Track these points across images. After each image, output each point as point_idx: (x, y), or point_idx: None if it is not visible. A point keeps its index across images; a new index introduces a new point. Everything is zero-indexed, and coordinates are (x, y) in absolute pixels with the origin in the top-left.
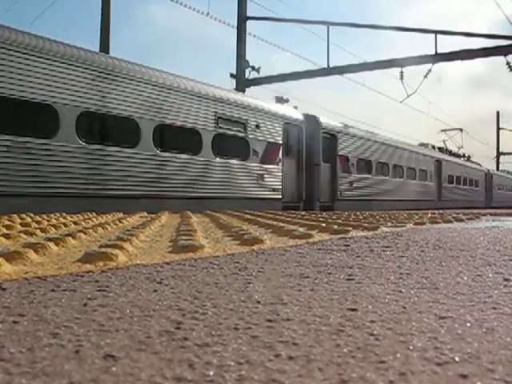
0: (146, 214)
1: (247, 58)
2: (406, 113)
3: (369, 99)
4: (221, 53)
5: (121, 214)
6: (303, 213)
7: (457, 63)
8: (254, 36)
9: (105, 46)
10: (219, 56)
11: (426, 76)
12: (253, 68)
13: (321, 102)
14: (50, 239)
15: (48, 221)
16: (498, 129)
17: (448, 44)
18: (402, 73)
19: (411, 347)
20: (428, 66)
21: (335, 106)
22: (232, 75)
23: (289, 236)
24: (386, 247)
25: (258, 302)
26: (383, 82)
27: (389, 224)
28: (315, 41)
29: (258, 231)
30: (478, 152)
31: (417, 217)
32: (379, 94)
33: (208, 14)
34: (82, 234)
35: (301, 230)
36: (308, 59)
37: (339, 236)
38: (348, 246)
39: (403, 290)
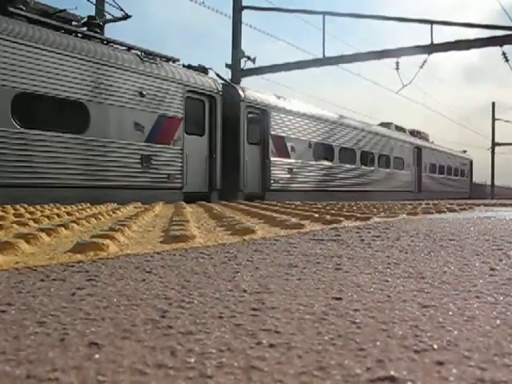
0: (140, 204)
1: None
2: (402, 103)
3: (366, 90)
4: (216, 43)
5: (115, 205)
6: (298, 203)
7: (452, 54)
8: (250, 26)
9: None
10: (215, 46)
11: (421, 66)
12: (248, 58)
13: (321, 93)
14: (42, 230)
15: (41, 211)
16: (494, 119)
17: (443, 36)
18: (397, 63)
19: (391, 335)
20: (424, 56)
21: (335, 97)
22: (227, 65)
23: (281, 226)
24: (377, 237)
25: (245, 291)
26: (380, 72)
27: (382, 214)
28: (310, 32)
29: (250, 221)
30: (473, 142)
31: (410, 207)
32: (376, 84)
33: (203, 3)
34: (74, 225)
35: (293, 220)
36: (303, 49)
37: (331, 226)
38: (339, 235)
39: (389, 280)
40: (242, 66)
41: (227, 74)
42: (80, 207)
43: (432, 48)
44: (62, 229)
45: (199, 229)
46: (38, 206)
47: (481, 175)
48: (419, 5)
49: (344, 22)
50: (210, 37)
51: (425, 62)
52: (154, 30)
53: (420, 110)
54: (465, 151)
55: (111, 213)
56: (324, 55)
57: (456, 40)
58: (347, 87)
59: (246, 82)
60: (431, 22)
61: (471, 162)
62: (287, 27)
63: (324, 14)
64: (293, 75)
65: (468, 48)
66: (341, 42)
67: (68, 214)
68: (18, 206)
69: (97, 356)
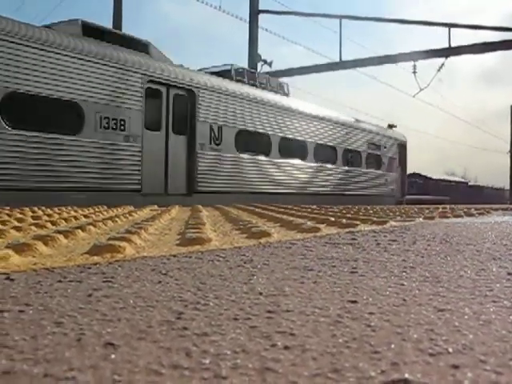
0: (156, 207)
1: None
2: (418, 106)
3: (382, 93)
4: (231, 48)
5: (131, 208)
6: (314, 206)
7: (468, 58)
8: (266, 30)
9: None
10: (229, 50)
11: (439, 70)
12: (265, 62)
13: (338, 97)
14: (59, 232)
15: (59, 214)
16: None
17: (459, 39)
18: (414, 66)
19: (406, 338)
20: (441, 59)
21: (350, 100)
22: None
23: (297, 230)
24: (393, 241)
25: (260, 294)
26: (396, 75)
27: (398, 218)
28: (326, 35)
29: (266, 225)
30: (491, 146)
31: (427, 211)
32: (392, 87)
33: (220, 7)
34: (91, 227)
35: (309, 223)
36: (319, 53)
37: (347, 230)
38: (355, 239)
39: (405, 283)
40: (258, 70)
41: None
42: (97, 209)
43: (450, 51)
44: (79, 231)
45: (215, 232)
46: (56, 209)
47: (499, 180)
48: (434, 6)
49: (360, 24)
50: (225, 41)
51: (442, 65)
52: (172, 33)
53: (437, 114)
54: (391, 126)
55: (128, 215)
56: (340, 59)
57: (474, 43)
58: (363, 90)
59: None
60: (449, 25)
61: (403, 145)
62: (303, 31)
63: (341, 17)
64: (308, 78)
65: (486, 51)
66: (356, 45)
67: (85, 216)
68: (35, 209)
69: (113, 356)
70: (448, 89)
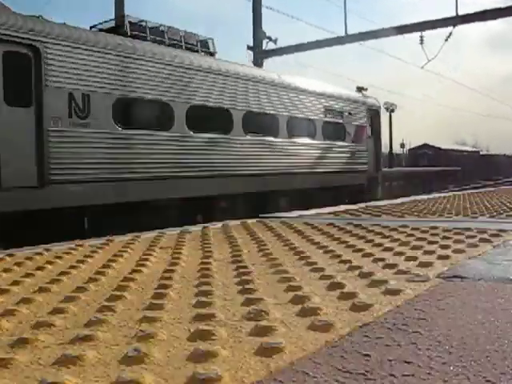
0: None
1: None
2: (427, 76)
3: (390, 66)
4: (237, 30)
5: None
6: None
7: (475, 24)
8: (271, 9)
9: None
10: (234, 33)
11: (446, 39)
12: (269, 39)
13: (347, 71)
14: None
15: None
16: None
17: (463, 7)
18: (421, 37)
19: None
20: (449, 29)
21: (361, 75)
22: (249, 47)
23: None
24: None
25: None
26: (404, 47)
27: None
28: (331, 11)
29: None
30: (500, 114)
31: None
32: (399, 60)
33: None
34: None
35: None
36: (323, 28)
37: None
38: None
39: None
40: (263, 47)
41: (249, 57)
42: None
43: (457, 20)
44: None
45: (237, 330)
46: None
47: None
48: None
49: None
50: (233, 24)
51: (450, 34)
52: (180, 20)
53: (444, 83)
54: (361, 89)
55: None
56: (346, 33)
57: (483, 10)
58: (371, 64)
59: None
60: None
61: (376, 112)
62: (307, 7)
63: None
64: (313, 53)
65: (496, 17)
66: (362, 19)
67: None
68: None
69: None
70: (454, 56)
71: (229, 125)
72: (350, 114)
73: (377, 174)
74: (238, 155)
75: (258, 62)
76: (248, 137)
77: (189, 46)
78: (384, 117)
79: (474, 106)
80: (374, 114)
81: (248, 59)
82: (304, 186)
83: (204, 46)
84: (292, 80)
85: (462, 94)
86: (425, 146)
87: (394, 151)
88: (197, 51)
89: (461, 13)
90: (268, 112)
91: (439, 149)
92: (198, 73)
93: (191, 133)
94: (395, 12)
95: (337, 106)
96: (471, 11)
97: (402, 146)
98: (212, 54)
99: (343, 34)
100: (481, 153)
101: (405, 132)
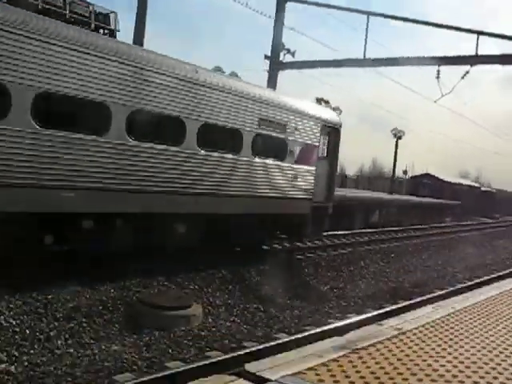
0: None
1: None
2: (438, 111)
3: (401, 94)
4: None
5: None
6: None
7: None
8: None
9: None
10: (253, 36)
11: (463, 77)
12: (288, 51)
13: (358, 92)
14: None
15: None
16: None
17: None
18: (438, 71)
19: None
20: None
21: (372, 96)
22: (266, 56)
23: None
24: None
25: None
26: (417, 76)
27: None
28: (343, 30)
29: None
30: (503, 151)
31: None
32: (413, 92)
33: (247, 4)
34: None
35: None
36: (332, 48)
37: None
38: None
39: None
40: (281, 59)
41: (265, 65)
42: None
43: (476, 59)
44: None
45: None
46: None
47: None
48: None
49: (385, 24)
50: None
51: (467, 72)
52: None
53: (454, 118)
54: (320, 101)
55: None
56: (364, 56)
57: (503, 54)
58: (382, 87)
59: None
60: (478, 33)
61: (335, 130)
62: (319, 23)
63: (368, 14)
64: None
65: None
66: (377, 43)
67: None
68: None
69: None
70: (467, 91)
71: (106, 125)
72: (296, 128)
73: (327, 203)
74: (124, 166)
75: (273, 72)
76: (136, 142)
77: (76, 17)
78: (390, 143)
79: (481, 142)
80: (331, 131)
81: (264, 67)
82: (215, 211)
83: (102, 21)
84: (207, 75)
85: (471, 128)
86: (426, 175)
87: (396, 176)
88: (89, 25)
89: (480, 52)
90: (171, 115)
91: (441, 180)
92: (83, 54)
93: (47, 131)
94: (411, 33)
95: (278, 116)
96: (490, 52)
97: (405, 172)
98: (112, 33)
99: (354, 55)
100: (482, 189)
101: (410, 154)
